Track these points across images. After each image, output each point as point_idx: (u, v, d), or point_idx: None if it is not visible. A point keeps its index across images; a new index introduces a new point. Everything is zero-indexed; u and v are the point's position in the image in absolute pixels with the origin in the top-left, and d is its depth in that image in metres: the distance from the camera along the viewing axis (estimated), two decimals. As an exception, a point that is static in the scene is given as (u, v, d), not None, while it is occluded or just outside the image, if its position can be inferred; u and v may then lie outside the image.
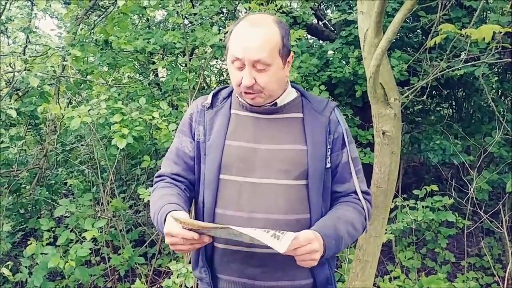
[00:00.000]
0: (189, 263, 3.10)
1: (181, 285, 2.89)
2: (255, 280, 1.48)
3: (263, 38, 1.39)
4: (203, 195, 1.51)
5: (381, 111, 2.34)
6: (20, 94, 3.87)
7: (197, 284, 2.93)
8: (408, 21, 4.32)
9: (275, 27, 1.43)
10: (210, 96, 1.59)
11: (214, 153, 1.49)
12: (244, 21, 1.44)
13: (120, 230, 3.63)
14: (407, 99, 3.31)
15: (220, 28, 3.61)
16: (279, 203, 1.44)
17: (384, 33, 2.05)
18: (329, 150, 1.50)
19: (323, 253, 1.34)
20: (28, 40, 4.66)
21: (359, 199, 1.54)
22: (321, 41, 5.21)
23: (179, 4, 3.48)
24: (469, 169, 3.98)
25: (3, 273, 2.89)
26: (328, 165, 1.50)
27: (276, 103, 1.52)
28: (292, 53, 1.51)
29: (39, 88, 3.57)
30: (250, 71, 1.40)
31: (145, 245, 3.79)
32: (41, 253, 3.02)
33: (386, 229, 2.91)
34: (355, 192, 1.54)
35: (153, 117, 3.19)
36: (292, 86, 1.60)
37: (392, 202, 2.89)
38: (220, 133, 1.50)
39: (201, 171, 1.54)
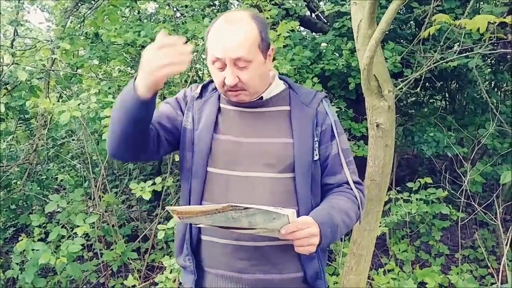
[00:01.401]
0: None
1: (174, 280, 2.87)
2: (243, 274, 1.46)
3: (241, 35, 1.37)
4: (190, 185, 1.50)
5: (375, 104, 2.32)
6: (9, 88, 3.82)
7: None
8: (401, 12, 4.29)
9: (251, 23, 1.41)
10: (200, 86, 1.58)
11: (202, 146, 1.48)
12: (220, 20, 1.43)
13: (113, 225, 3.59)
14: (401, 91, 3.29)
15: (212, 20, 3.57)
16: (266, 196, 1.43)
17: (377, 24, 2.02)
18: (317, 142, 1.49)
19: (319, 241, 1.32)
20: (16, 33, 4.58)
21: (351, 189, 1.53)
22: (314, 33, 5.18)
23: (170, -4, 3.44)
24: (462, 161, 3.97)
25: (-6, 270, 2.86)
26: (316, 158, 1.48)
27: (262, 97, 1.51)
28: (272, 47, 1.49)
29: (28, 82, 3.52)
30: (232, 70, 1.38)
31: (138, 240, 3.76)
32: (32, 249, 2.98)
33: (380, 222, 2.90)
34: (347, 183, 1.53)
35: (145, 111, 3.15)
36: (281, 78, 1.59)
37: (386, 195, 2.88)
38: (208, 127, 1.49)
39: (187, 159, 1.52)
